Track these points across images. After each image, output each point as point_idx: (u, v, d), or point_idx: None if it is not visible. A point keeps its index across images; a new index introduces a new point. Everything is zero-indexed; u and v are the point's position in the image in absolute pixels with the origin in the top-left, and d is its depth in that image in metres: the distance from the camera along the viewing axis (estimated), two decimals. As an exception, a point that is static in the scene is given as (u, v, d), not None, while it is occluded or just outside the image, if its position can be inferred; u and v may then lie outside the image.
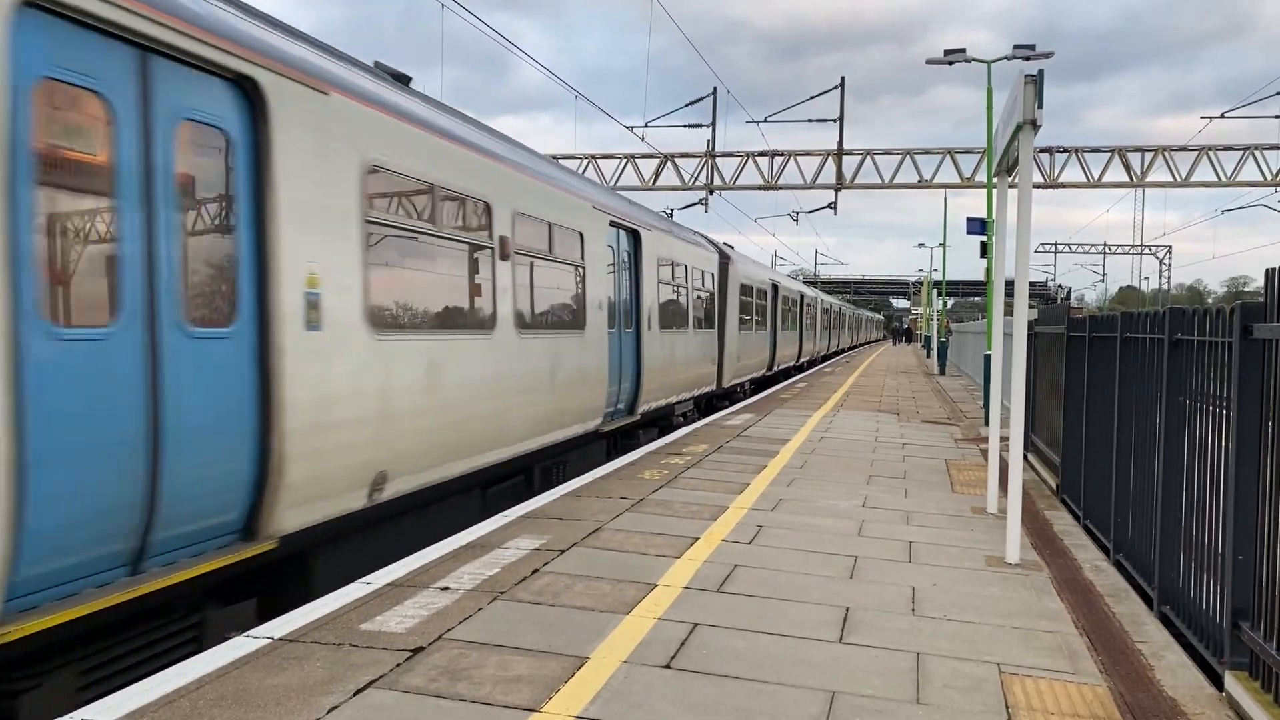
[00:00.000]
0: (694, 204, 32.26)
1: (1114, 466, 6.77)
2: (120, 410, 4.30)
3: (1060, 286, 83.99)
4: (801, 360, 34.24)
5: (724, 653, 4.47)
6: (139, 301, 4.42)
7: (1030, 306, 7.16)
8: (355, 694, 3.86)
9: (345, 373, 5.90)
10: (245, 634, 4.52)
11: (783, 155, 32.45)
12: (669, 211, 27.49)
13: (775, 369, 27.07)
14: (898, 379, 28.29)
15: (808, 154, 32.24)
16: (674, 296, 15.19)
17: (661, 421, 14.67)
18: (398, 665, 4.17)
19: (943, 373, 33.10)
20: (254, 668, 4.10)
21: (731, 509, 7.79)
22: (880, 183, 32.04)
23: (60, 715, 3.75)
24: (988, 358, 16.51)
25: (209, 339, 4.87)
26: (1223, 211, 48.93)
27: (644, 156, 33.10)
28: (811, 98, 29.20)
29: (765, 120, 30.01)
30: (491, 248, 8.17)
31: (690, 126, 29.56)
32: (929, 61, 21.76)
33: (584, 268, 10.64)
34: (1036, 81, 6.13)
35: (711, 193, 32.35)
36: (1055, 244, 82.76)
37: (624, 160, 33.24)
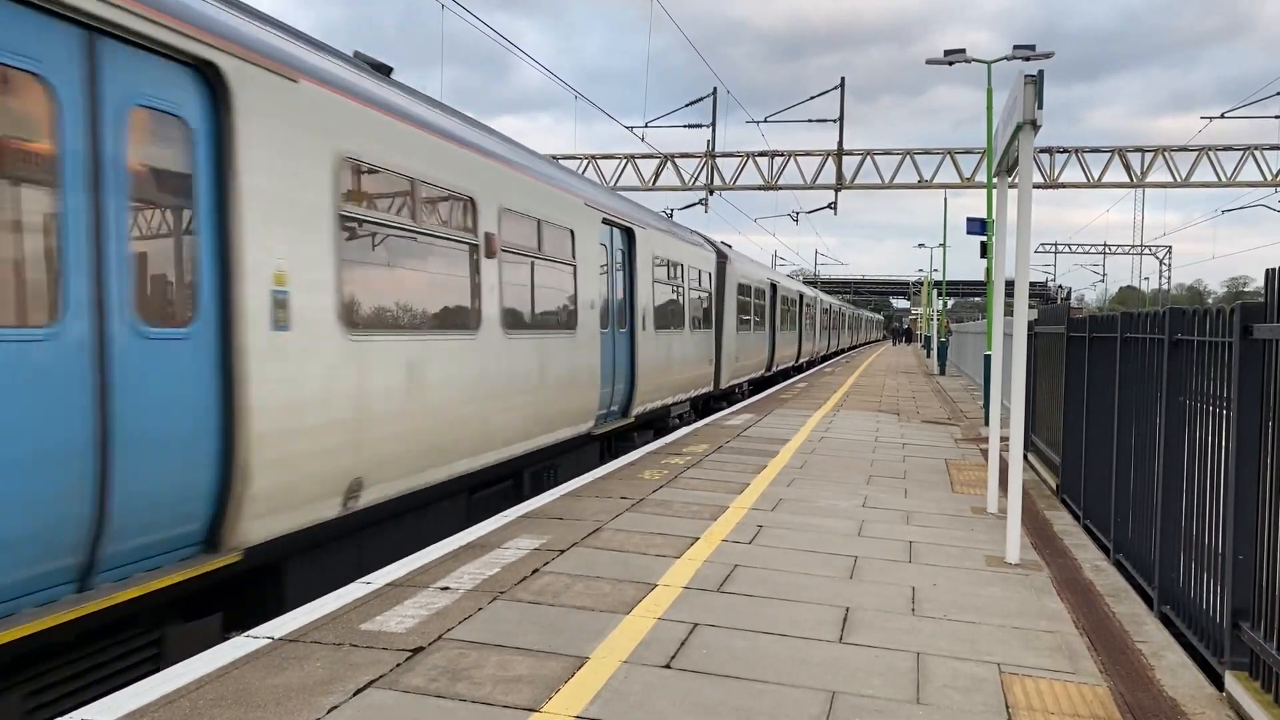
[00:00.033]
0: (694, 204, 32.28)
1: (1114, 467, 6.77)
2: (63, 416, 4.02)
3: (1060, 286, 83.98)
4: (801, 361, 34.21)
5: (724, 653, 4.47)
6: (85, 300, 4.14)
7: (1030, 307, 7.16)
8: (355, 694, 3.86)
9: (316, 375, 5.63)
10: (245, 634, 4.52)
11: (783, 155, 32.46)
12: (669, 211, 27.51)
13: (774, 370, 26.94)
14: (898, 379, 28.29)
15: (808, 154, 32.25)
16: (670, 296, 14.91)
17: (657, 424, 14.45)
18: (398, 665, 4.17)
19: (943, 373, 33.09)
20: (254, 668, 4.10)
21: (731, 509, 7.79)
22: (880, 183, 32.05)
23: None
24: (988, 358, 16.51)
25: (165, 339, 4.60)
26: (1223, 211, 48.93)
27: (644, 156, 33.11)
28: (811, 98, 29.24)
29: (765, 120, 30.04)
30: (476, 245, 7.90)
31: (690, 126, 29.57)
32: (929, 62, 21.77)
33: (575, 266, 10.38)
34: (1036, 82, 6.13)
35: (711, 193, 32.36)
36: (1055, 244, 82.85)
37: (624, 160, 33.25)
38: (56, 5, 4.00)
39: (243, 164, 5.03)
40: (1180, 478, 5.25)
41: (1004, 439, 8.65)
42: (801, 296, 33.48)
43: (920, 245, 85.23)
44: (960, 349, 32.73)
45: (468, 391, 7.60)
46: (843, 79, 28.80)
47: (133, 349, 4.38)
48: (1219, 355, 4.63)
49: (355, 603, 5.02)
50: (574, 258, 10.35)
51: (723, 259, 19.32)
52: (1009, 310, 9.28)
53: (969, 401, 20.50)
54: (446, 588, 5.33)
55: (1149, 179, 31.26)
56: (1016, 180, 6.51)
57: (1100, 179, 31.26)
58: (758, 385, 25.02)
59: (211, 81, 4.90)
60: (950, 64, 21.54)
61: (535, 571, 5.71)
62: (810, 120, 33.40)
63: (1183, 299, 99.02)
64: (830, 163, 31.28)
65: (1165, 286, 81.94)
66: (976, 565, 6.28)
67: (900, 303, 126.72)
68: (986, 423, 14.56)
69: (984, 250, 17.68)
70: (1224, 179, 30.68)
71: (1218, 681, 4.33)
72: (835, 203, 32.07)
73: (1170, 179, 31.15)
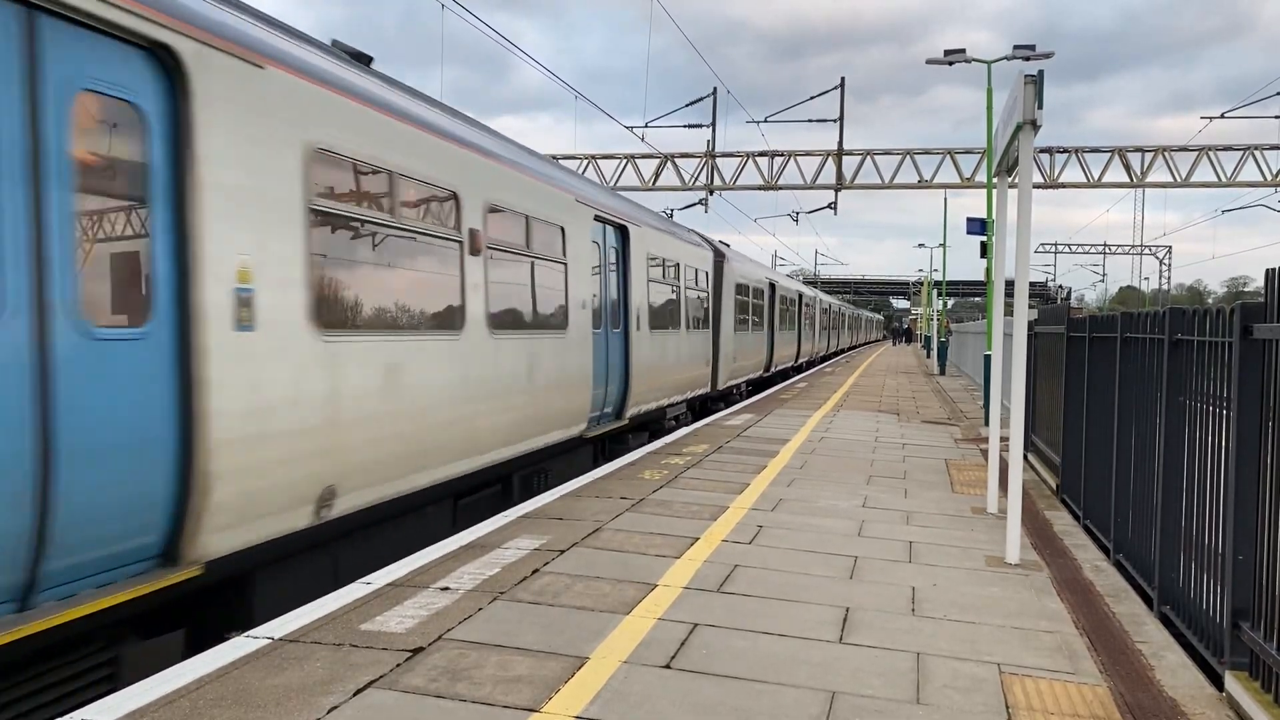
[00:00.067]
0: (694, 204, 32.31)
1: (1114, 467, 6.77)
2: None
3: (1060, 286, 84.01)
4: (800, 361, 34.19)
5: (724, 653, 4.47)
6: (23, 298, 3.86)
7: (1030, 307, 7.16)
8: (355, 694, 3.86)
9: (285, 378, 5.34)
10: (245, 634, 4.52)
11: (783, 155, 32.47)
12: (669, 211, 27.52)
13: (773, 370, 26.84)
14: (898, 379, 28.29)
15: (808, 154, 32.26)
16: (665, 295, 14.63)
17: (652, 426, 14.19)
18: (398, 665, 4.17)
19: (943, 373, 33.10)
20: (254, 668, 4.10)
21: (731, 509, 7.79)
22: (880, 183, 32.06)
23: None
24: (988, 358, 16.52)
25: (116, 340, 4.31)
26: (1223, 211, 49.01)
27: (644, 157, 33.12)
28: (811, 98, 29.27)
29: (765, 120, 30.08)
30: (460, 241, 7.58)
31: (690, 126, 29.60)
32: (929, 62, 21.77)
33: (566, 264, 10.08)
34: (1036, 81, 6.13)
35: (711, 193, 32.37)
36: (1055, 244, 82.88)
37: (624, 160, 33.26)
38: None
39: (202, 154, 4.75)
40: (1180, 478, 5.25)
41: (1004, 439, 8.65)
42: (801, 296, 33.45)
43: (920, 245, 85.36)
44: (960, 349, 32.73)
45: (451, 394, 7.33)
46: (843, 79, 28.84)
47: (79, 351, 4.10)
48: (1219, 355, 4.63)
49: (355, 603, 5.02)
50: (565, 256, 10.07)
51: (720, 258, 19.16)
52: (1009, 310, 9.28)
53: (969, 401, 20.50)
54: (446, 588, 5.33)
55: (1149, 179, 31.28)
56: (1016, 180, 6.51)
57: (1100, 179, 31.27)
58: (757, 386, 24.96)
59: (168, 66, 4.61)
60: (950, 64, 21.54)
61: (535, 571, 5.71)
62: (810, 120, 33.45)
63: (1183, 299, 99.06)
64: (830, 163, 31.31)
65: (1165, 286, 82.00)
66: (976, 565, 6.28)
67: (900, 303, 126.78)
68: (986, 423, 14.56)
69: (984, 250, 17.68)
70: (1224, 179, 30.69)
71: (1218, 681, 4.33)
72: (835, 203, 32.09)
73: (1170, 179, 31.17)
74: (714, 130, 30.02)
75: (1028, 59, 20.07)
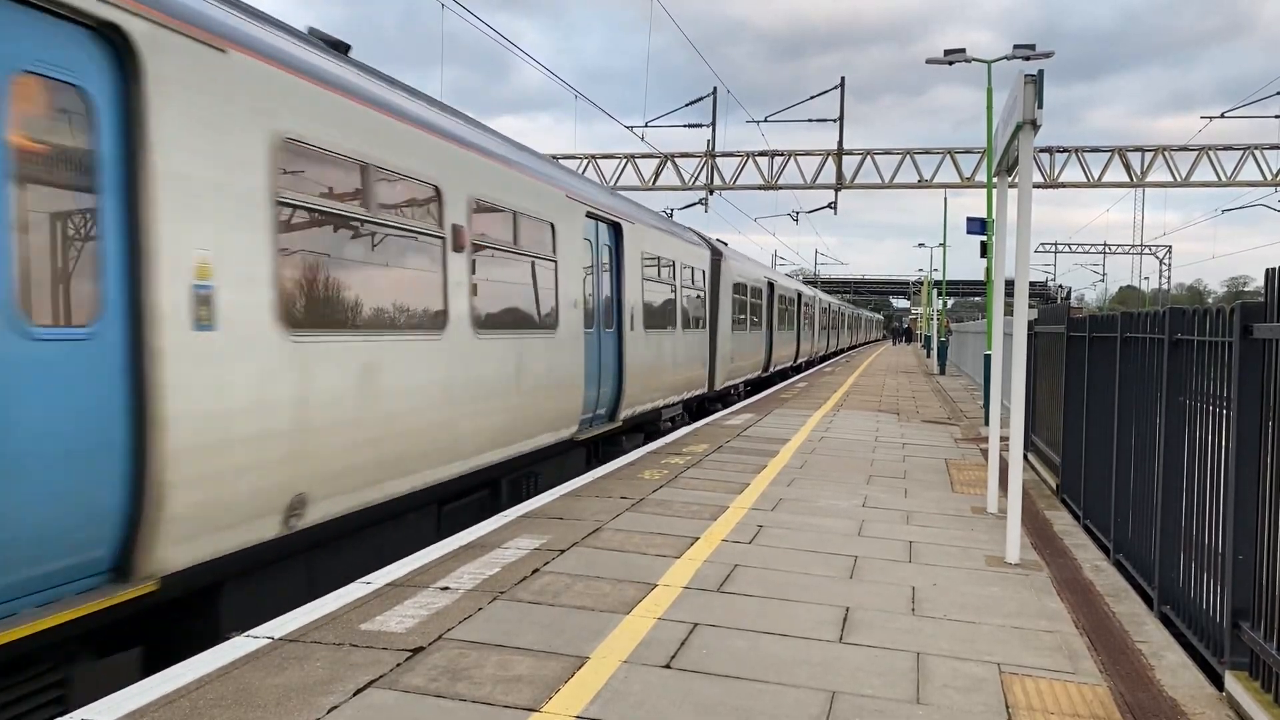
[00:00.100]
0: (694, 204, 32.31)
1: (1114, 466, 6.77)
2: None
3: (1060, 286, 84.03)
4: (800, 361, 34.16)
5: (724, 652, 4.47)
6: None
7: (1030, 306, 7.16)
8: (355, 694, 3.86)
9: (249, 381, 5.05)
10: (245, 634, 4.52)
11: (783, 155, 32.47)
12: (669, 211, 27.49)
13: (771, 370, 26.73)
14: (898, 379, 28.30)
15: (808, 154, 32.26)
16: (661, 294, 14.35)
17: (648, 427, 13.93)
18: (398, 665, 4.17)
19: (943, 372, 33.10)
20: (254, 667, 4.10)
21: (731, 509, 7.79)
22: (880, 183, 32.07)
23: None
24: (988, 358, 16.52)
25: (59, 340, 4.04)
26: (1223, 211, 49.10)
27: (644, 156, 33.13)
28: (811, 98, 29.27)
29: (765, 120, 30.08)
30: (442, 238, 7.28)
31: (690, 126, 29.60)
32: (929, 61, 21.78)
33: (556, 262, 9.80)
34: (1036, 81, 6.13)
35: (711, 193, 32.37)
36: (1055, 244, 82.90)
37: (624, 160, 33.26)
38: None
39: (156, 141, 4.45)
40: (1180, 478, 5.25)
41: (1004, 439, 8.65)
42: (800, 295, 33.42)
43: (920, 245, 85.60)
44: (960, 349, 32.73)
45: (433, 396, 7.04)
46: (843, 79, 28.85)
47: (14, 351, 3.83)
48: (1219, 355, 4.63)
49: (355, 602, 5.02)
50: (555, 253, 9.79)
51: (717, 256, 18.97)
52: (1009, 310, 9.28)
53: (969, 401, 20.51)
54: (446, 588, 5.33)
55: (1149, 179, 31.29)
56: (1016, 180, 6.51)
57: (1100, 179, 31.27)
58: (756, 386, 24.91)
59: (118, 47, 4.33)
60: (950, 64, 21.55)
61: (535, 571, 5.71)
62: (810, 120, 33.41)
63: (1183, 299, 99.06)
64: (830, 162, 31.32)
65: (1165, 286, 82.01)
66: (976, 565, 6.28)
67: (900, 302, 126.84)
68: (986, 422, 14.56)
69: (984, 250, 17.69)
70: (1224, 179, 30.70)
71: (1218, 681, 4.33)
72: (835, 202, 32.10)
73: (1170, 179, 31.18)
74: (714, 130, 30.05)
75: (1028, 59, 20.08)
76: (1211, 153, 30.66)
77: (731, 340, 19.92)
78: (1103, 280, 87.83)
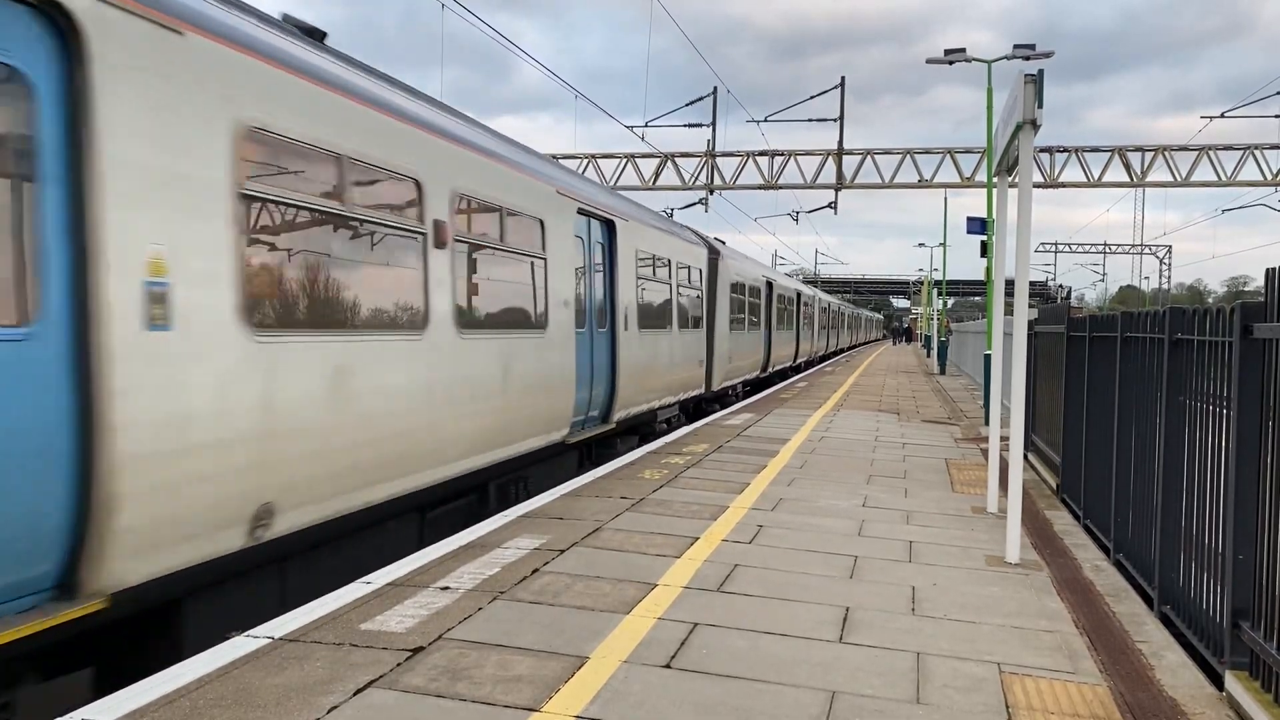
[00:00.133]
0: (694, 204, 32.32)
1: (1114, 466, 6.77)
2: None
3: (1060, 286, 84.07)
4: (799, 361, 34.12)
5: (724, 652, 4.47)
6: None
7: (1030, 306, 7.16)
8: (355, 694, 3.86)
9: (209, 383, 4.76)
10: (245, 634, 4.52)
11: (783, 155, 32.47)
12: (669, 211, 27.49)
13: (770, 370, 26.60)
14: (898, 378, 28.30)
15: (808, 154, 32.27)
16: (656, 293, 14.04)
17: (643, 429, 13.64)
18: (398, 665, 4.17)
19: (943, 372, 33.10)
20: (254, 667, 4.10)
21: (731, 508, 7.79)
22: (880, 182, 32.07)
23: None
24: (988, 357, 16.52)
25: None
26: (1223, 211, 49.15)
27: (644, 156, 33.13)
28: (811, 97, 29.27)
29: (765, 120, 30.08)
30: (423, 233, 6.99)
31: (690, 126, 29.61)
32: (929, 61, 21.79)
33: (546, 260, 9.48)
34: (1036, 81, 6.13)
35: (711, 192, 32.38)
36: (1055, 244, 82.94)
37: (624, 160, 33.27)
38: None
39: (104, 128, 4.18)
40: (1180, 478, 5.25)
41: (1004, 439, 8.65)
42: (799, 295, 33.38)
43: (920, 245, 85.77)
44: (960, 348, 32.74)
45: (414, 399, 6.74)
46: (843, 79, 28.86)
47: None
48: (1219, 355, 4.63)
49: (355, 602, 5.02)
50: (544, 250, 9.47)
51: (715, 255, 18.81)
52: (1009, 310, 9.28)
53: (969, 401, 20.51)
54: (446, 587, 5.33)
55: (1149, 179, 31.29)
56: (1016, 180, 6.51)
57: (1100, 179, 31.28)
58: (755, 387, 24.85)
59: (61, 27, 4.08)
60: (950, 64, 21.56)
61: (535, 571, 5.71)
62: (810, 120, 33.35)
63: (1183, 299, 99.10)
64: (830, 162, 31.32)
65: (1165, 286, 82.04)
66: (976, 565, 6.28)
67: (900, 302, 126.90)
68: (986, 422, 14.56)
69: (984, 250, 17.69)
70: (1224, 179, 30.70)
71: (1218, 681, 4.33)
72: (835, 202, 32.10)
73: (1170, 179, 31.19)
74: (714, 130, 30.05)
75: (1028, 58, 20.08)
76: (1211, 153, 30.67)
77: (729, 340, 19.78)
78: (1103, 280, 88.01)
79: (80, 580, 4.14)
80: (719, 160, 32.34)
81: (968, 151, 31.38)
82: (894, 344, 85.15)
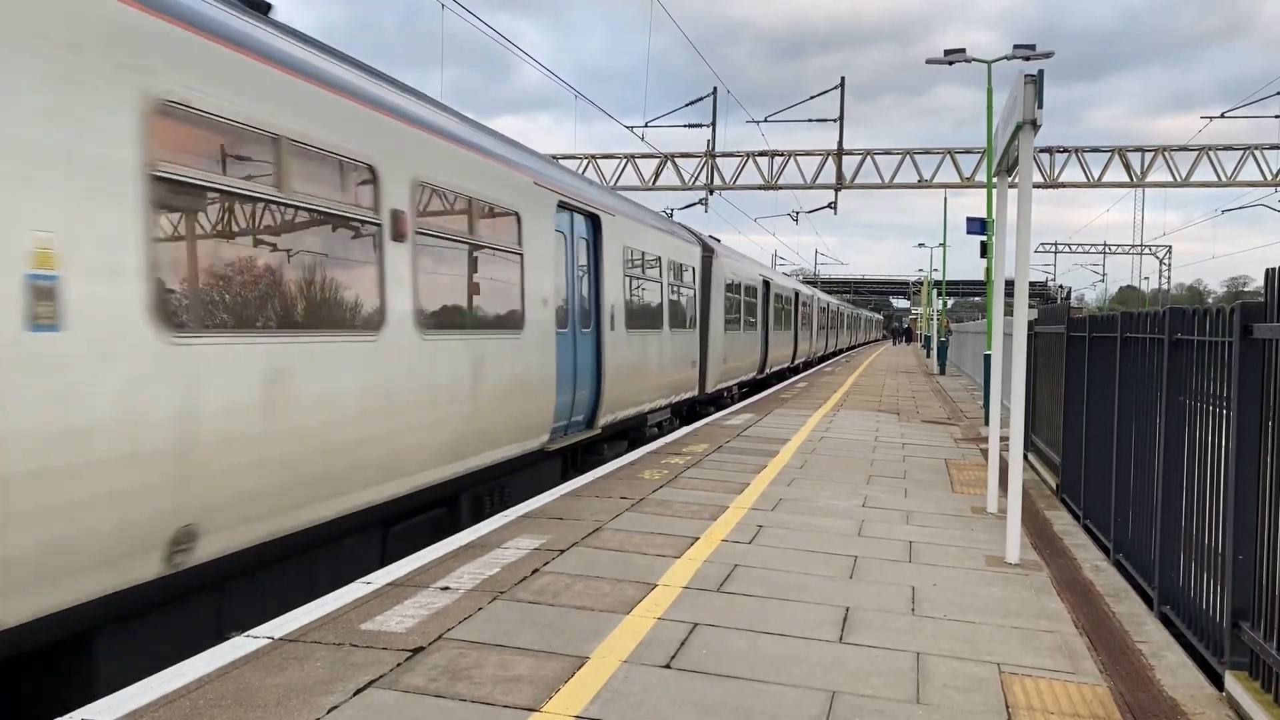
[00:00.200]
0: (694, 204, 32.33)
1: (1114, 466, 6.77)
2: None
3: (1060, 286, 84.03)
4: (797, 362, 34.03)
5: (724, 652, 4.47)
6: None
7: (1030, 306, 7.16)
8: (355, 694, 3.86)
9: (111, 391, 4.20)
10: (245, 634, 4.52)
11: (783, 155, 32.49)
12: (669, 211, 27.47)
13: (768, 371, 26.28)
14: (898, 379, 28.30)
15: (808, 154, 32.28)
16: (645, 292, 13.48)
17: (632, 433, 13.16)
18: (398, 665, 4.17)
19: (943, 372, 33.11)
20: (254, 667, 4.10)
21: (731, 509, 7.79)
22: (880, 183, 32.08)
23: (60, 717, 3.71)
24: (988, 358, 16.52)
25: None
26: (1223, 211, 49.16)
27: (644, 156, 33.15)
28: (811, 98, 29.28)
29: (765, 120, 30.10)
30: (379, 225, 6.42)
31: (690, 126, 29.63)
32: (929, 61, 21.80)
33: (522, 255, 8.90)
34: (1036, 81, 6.13)
35: (711, 192, 32.39)
36: (1055, 244, 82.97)
37: (624, 160, 33.28)
38: None
39: None
40: (1180, 477, 5.25)
41: (1004, 439, 8.65)
42: (798, 295, 33.29)
43: (920, 245, 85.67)
44: (960, 349, 32.74)
45: (367, 406, 6.20)
46: (843, 79, 28.87)
47: None
48: (1219, 355, 4.63)
49: (355, 602, 5.03)
50: (520, 245, 8.87)
51: (708, 253, 18.46)
52: (1009, 310, 9.28)
53: (969, 401, 20.51)
54: (446, 587, 5.33)
55: (1149, 179, 31.30)
56: (1016, 180, 6.51)
57: (1100, 179, 31.28)
58: (753, 388, 24.71)
59: None
60: (950, 64, 21.57)
61: (535, 571, 5.71)
62: (810, 120, 33.42)
63: (1183, 299, 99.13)
64: (830, 162, 31.34)
65: (1165, 286, 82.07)
66: (976, 565, 6.28)
67: (900, 302, 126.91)
68: (986, 422, 14.56)
69: (984, 250, 17.70)
70: (1224, 179, 30.71)
71: (1218, 681, 4.33)
72: (835, 202, 32.12)
73: (1170, 179, 31.19)
74: (714, 130, 30.06)
75: (1028, 59, 20.09)
76: (1211, 153, 30.68)
77: (724, 341, 19.43)
78: (1103, 280, 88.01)
79: None
80: (719, 160, 32.35)
81: (968, 152, 31.42)
82: (894, 344, 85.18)
